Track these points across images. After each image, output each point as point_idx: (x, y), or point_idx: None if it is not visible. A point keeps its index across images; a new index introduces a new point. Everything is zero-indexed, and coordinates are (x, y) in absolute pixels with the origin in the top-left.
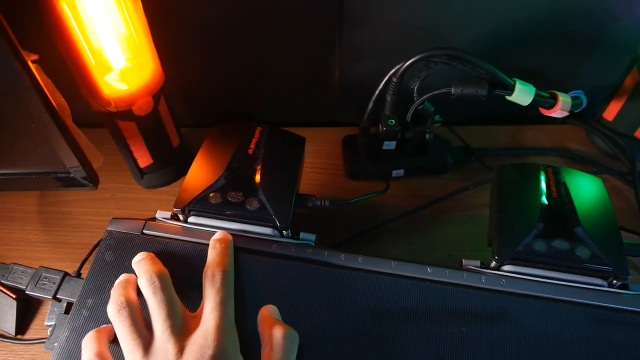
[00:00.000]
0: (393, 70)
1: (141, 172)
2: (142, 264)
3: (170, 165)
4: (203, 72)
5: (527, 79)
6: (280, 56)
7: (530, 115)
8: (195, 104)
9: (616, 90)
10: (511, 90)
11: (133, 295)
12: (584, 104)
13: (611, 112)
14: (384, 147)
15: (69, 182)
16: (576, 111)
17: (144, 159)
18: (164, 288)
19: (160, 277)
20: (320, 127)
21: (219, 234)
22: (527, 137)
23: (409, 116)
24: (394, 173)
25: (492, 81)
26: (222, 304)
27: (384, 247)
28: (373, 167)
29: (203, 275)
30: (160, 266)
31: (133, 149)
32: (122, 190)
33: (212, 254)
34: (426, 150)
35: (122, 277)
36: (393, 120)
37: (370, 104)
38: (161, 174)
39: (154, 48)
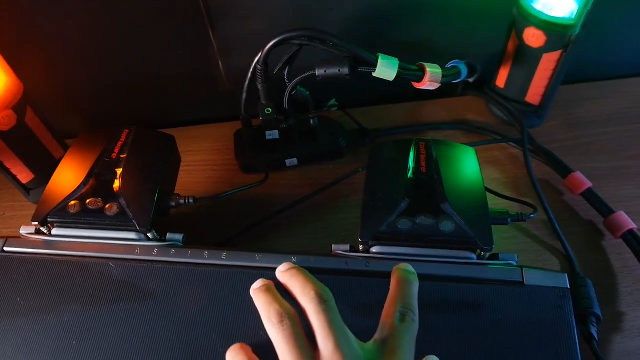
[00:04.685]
0: (256, 58)
1: (26, 188)
2: (298, 278)
3: None
4: (84, 81)
5: (418, 53)
6: (160, 59)
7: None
8: (82, 113)
9: (502, 56)
10: (374, 66)
11: (289, 305)
12: (463, 74)
13: (502, 79)
14: (268, 137)
15: None
16: (454, 81)
17: (23, 175)
18: (335, 310)
19: (330, 297)
20: (218, 122)
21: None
22: (427, 113)
23: (285, 103)
24: (288, 162)
25: (355, 59)
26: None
27: (277, 240)
28: (257, 159)
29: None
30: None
31: (8, 165)
32: (12, 209)
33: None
34: (315, 136)
35: (263, 282)
36: (270, 109)
37: (244, 94)
38: None
39: (3, 60)
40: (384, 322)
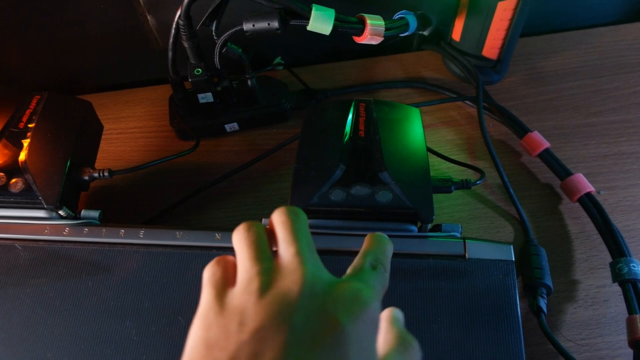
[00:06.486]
0: (178, 12)
1: None
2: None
3: None
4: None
5: (365, 5)
6: (84, 15)
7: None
8: (9, 81)
9: (457, 6)
10: (308, 18)
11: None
12: (412, 26)
13: (457, 31)
14: (201, 101)
15: None
16: (402, 35)
17: None
18: (305, 224)
19: (302, 213)
20: (154, 85)
21: None
22: (380, 70)
23: (216, 62)
24: (228, 127)
25: (287, 11)
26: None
27: (212, 213)
28: (191, 125)
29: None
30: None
31: None
32: None
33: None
34: (255, 97)
35: None
36: (199, 69)
37: (170, 54)
38: None
39: None
40: (353, 267)
